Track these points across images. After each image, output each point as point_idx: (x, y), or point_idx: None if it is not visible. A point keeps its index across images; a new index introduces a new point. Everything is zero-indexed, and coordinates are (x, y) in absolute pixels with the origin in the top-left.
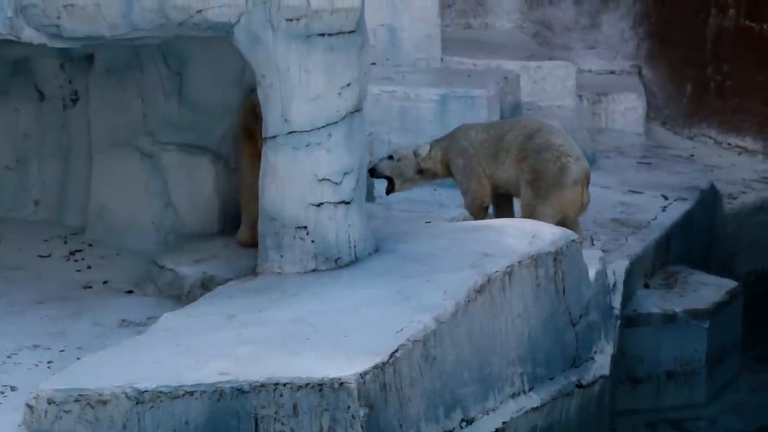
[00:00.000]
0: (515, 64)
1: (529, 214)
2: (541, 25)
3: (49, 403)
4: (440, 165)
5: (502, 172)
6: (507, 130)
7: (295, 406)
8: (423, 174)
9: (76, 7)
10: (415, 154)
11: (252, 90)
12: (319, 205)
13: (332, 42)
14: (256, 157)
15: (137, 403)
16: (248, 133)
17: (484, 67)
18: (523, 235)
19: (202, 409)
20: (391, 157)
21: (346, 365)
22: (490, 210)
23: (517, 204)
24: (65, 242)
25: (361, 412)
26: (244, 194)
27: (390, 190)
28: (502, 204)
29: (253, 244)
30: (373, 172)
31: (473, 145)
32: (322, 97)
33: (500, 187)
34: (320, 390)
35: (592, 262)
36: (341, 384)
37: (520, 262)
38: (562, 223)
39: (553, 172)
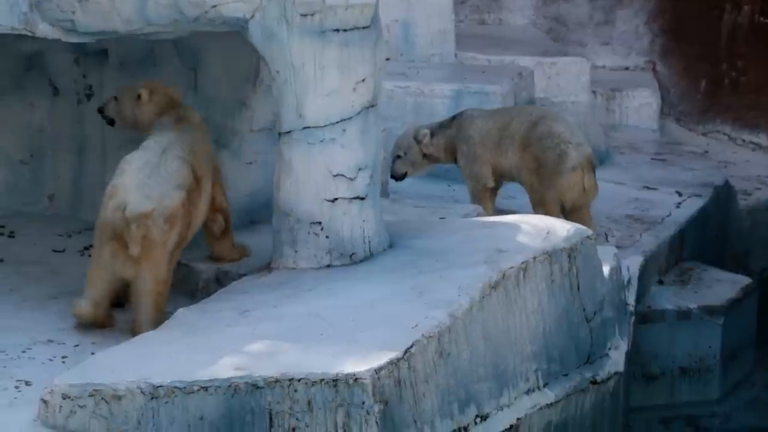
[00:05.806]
0: (529, 60)
1: (538, 201)
2: (555, 21)
3: (64, 398)
4: (444, 152)
5: (506, 160)
6: (512, 118)
7: (309, 402)
8: (427, 158)
9: (91, 2)
10: (416, 140)
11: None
12: (334, 200)
13: (347, 37)
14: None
15: (152, 398)
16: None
17: (498, 63)
18: (538, 231)
19: (216, 404)
20: (399, 156)
21: (360, 361)
22: (498, 206)
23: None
24: (80, 237)
25: (376, 408)
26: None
27: (402, 178)
28: None
29: None
30: (394, 177)
31: (479, 133)
32: (336, 92)
33: (504, 176)
34: (335, 385)
35: (606, 258)
36: (356, 380)
37: (534, 258)
38: (571, 212)
39: (552, 159)
